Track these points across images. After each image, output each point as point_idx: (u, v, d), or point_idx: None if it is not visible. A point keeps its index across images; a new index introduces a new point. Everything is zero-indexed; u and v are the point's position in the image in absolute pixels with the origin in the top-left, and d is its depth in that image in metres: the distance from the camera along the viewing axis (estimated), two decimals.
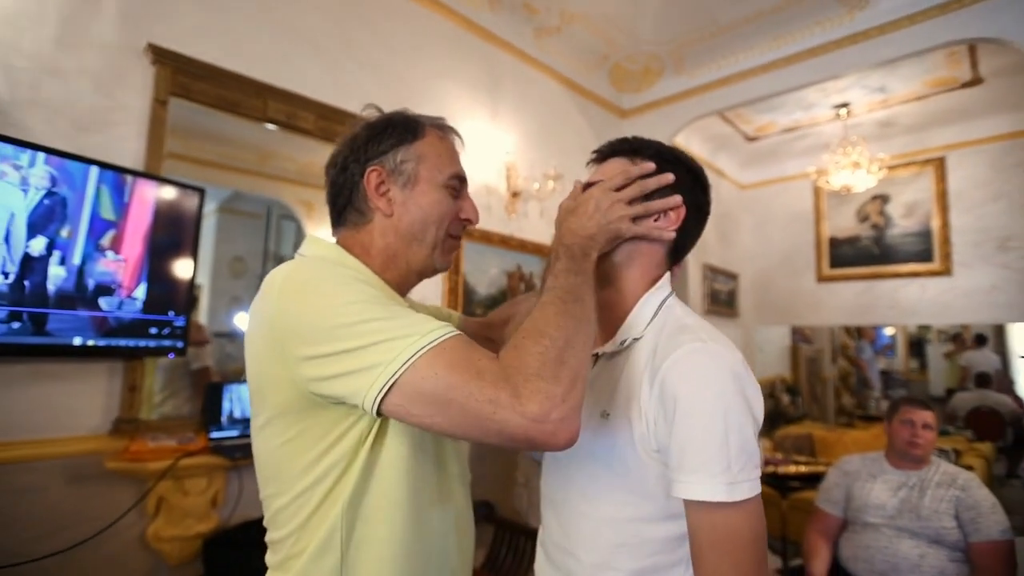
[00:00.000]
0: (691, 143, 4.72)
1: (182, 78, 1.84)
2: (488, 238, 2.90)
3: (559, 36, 3.24)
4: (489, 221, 2.94)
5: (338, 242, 0.81)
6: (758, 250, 5.56)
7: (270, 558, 0.74)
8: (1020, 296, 4.00)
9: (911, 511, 1.86)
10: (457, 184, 0.82)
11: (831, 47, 3.00)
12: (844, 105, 4.10)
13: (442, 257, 0.82)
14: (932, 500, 1.85)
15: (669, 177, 0.79)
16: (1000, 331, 6.52)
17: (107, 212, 1.56)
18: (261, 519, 1.95)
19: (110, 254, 1.56)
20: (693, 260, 4.70)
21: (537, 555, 0.90)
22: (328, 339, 0.61)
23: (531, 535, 2.03)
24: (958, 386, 6.10)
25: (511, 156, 3.00)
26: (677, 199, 0.79)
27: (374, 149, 0.77)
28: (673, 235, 0.80)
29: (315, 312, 0.63)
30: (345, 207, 0.79)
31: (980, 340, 6.11)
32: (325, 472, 0.67)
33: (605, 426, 0.75)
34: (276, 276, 0.69)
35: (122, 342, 1.59)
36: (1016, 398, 5.61)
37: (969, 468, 3.31)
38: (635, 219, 0.78)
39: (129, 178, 1.61)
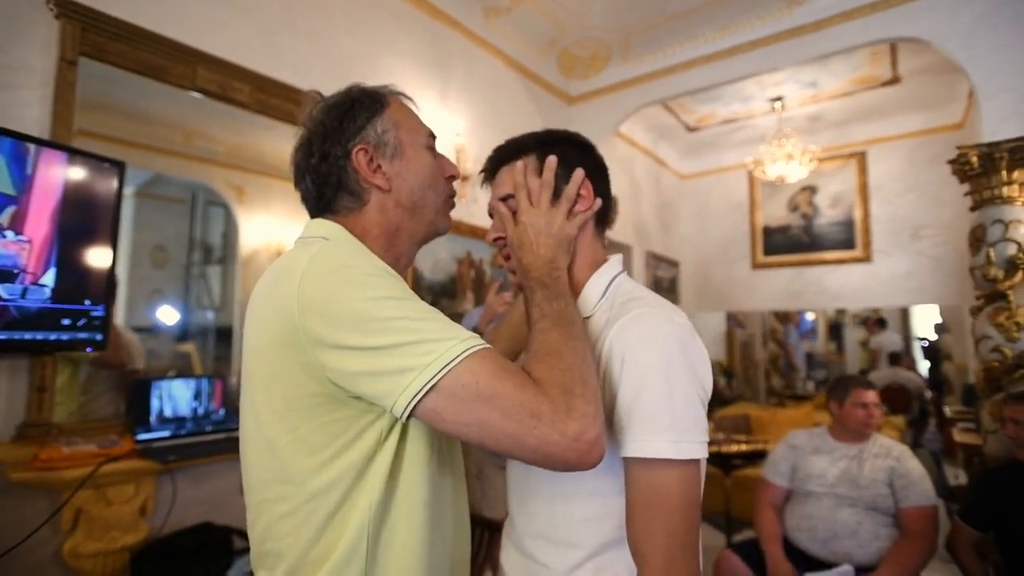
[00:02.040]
0: (634, 132, 4.80)
1: (94, 36, 1.63)
2: None
3: (509, 17, 3.16)
4: None
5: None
6: (697, 238, 5.75)
7: (264, 574, 0.66)
8: (930, 280, 4.36)
9: (850, 481, 1.98)
10: (433, 144, 0.82)
11: (770, 40, 3.11)
12: (779, 98, 4.28)
13: (444, 220, 0.81)
14: (870, 470, 1.97)
15: (552, 160, 0.79)
16: (905, 314, 7.12)
17: (4, 185, 1.35)
18: (198, 526, 1.78)
19: (10, 234, 1.35)
20: (637, 248, 4.80)
21: (502, 549, 0.90)
22: (358, 330, 0.57)
23: (486, 525, 1.99)
24: (869, 366, 6.62)
25: (461, 139, 2.91)
26: (580, 173, 0.80)
27: (351, 127, 0.74)
28: (600, 203, 0.82)
29: (346, 298, 0.59)
30: (336, 194, 0.75)
31: (881, 323, 6.65)
32: (343, 472, 0.62)
33: None
34: (298, 259, 0.64)
35: (27, 335, 1.39)
36: (920, 375, 6.15)
37: None
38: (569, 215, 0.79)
39: (32, 147, 1.40)
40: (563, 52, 3.59)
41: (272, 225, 2.23)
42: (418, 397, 0.56)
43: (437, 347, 0.56)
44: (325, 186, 0.75)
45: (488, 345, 0.60)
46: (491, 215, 0.86)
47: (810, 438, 2.17)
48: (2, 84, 1.49)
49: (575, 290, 0.82)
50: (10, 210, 1.36)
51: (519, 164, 0.80)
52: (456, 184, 3.03)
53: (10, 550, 1.36)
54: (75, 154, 1.50)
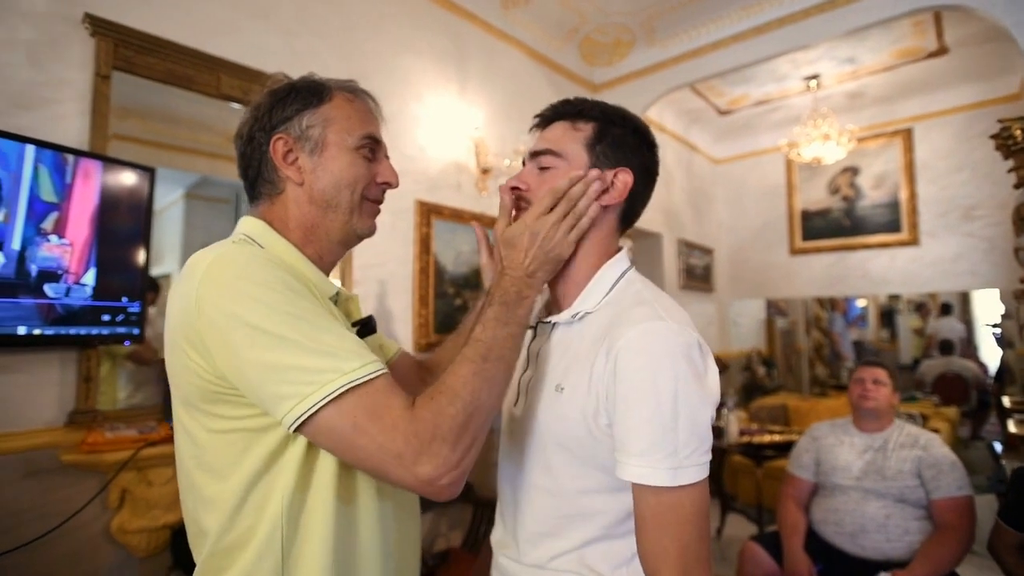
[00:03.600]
0: (664, 118, 4.70)
1: (125, 51, 1.74)
2: (459, 216, 2.85)
3: (527, 8, 3.16)
4: (460, 199, 2.89)
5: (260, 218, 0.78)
6: (732, 224, 5.60)
7: (197, 555, 0.70)
8: (983, 264, 4.10)
9: (876, 472, 1.91)
10: (371, 146, 0.79)
11: (799, 16, 2.98)
12: (814, 77, 4.10)
13: (362, 222, 0.79)
14: (896, 461, 1.90)
15: (592, 176, 0.76)
16: (965, 299, 6.72)
17: (47, 194, 1.47)
18: None
19: (53, 238, 1.48)
20: (667, 235, 4.71)
21: (495, 528, 0.91)
22: (248, 341, 0.59)
23: None
24: (923, 354, 6.28)
25: (480, 132, 2.94)
26: (627, 175, 0.78)
27: (278, 116, 0.75)
28: (618, 202, 0.79)
29: (239, 306, 0.60)
30: (256, 179, 0.77)
31: (946, 309, 6.28)
32: (254, 465, 0.64)
33: (558, 400, 0.75)
34: (201, 260, 0.66)
35: (72, 330, 1.52)
36: (980, 363, 5.79)
37: (935, 431, 3.43)
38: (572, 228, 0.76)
39: (70, 158, 1.53)
40: (585, 39, 3.55)
41: None
42: (296, 424, 0.58)
43: (319, 378, 0.58)
44: (248, 168, 0.77)
45: (378, 372, 0.61)
46: (524, 164, 0.84)
47: (833, 429, 2.11)
48: (45, 99, 1.61)
49: (581, 281, 0.80)
50: (53, 216, 1.49)
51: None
52: (475, 179, 3.04)
53: (62, 524, 1.51)
54: (110, 162, 1.62)
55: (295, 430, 0.59)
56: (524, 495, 0.79)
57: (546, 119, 0.83)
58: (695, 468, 0.65)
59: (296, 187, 0.76)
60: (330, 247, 0.79)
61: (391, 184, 0.81)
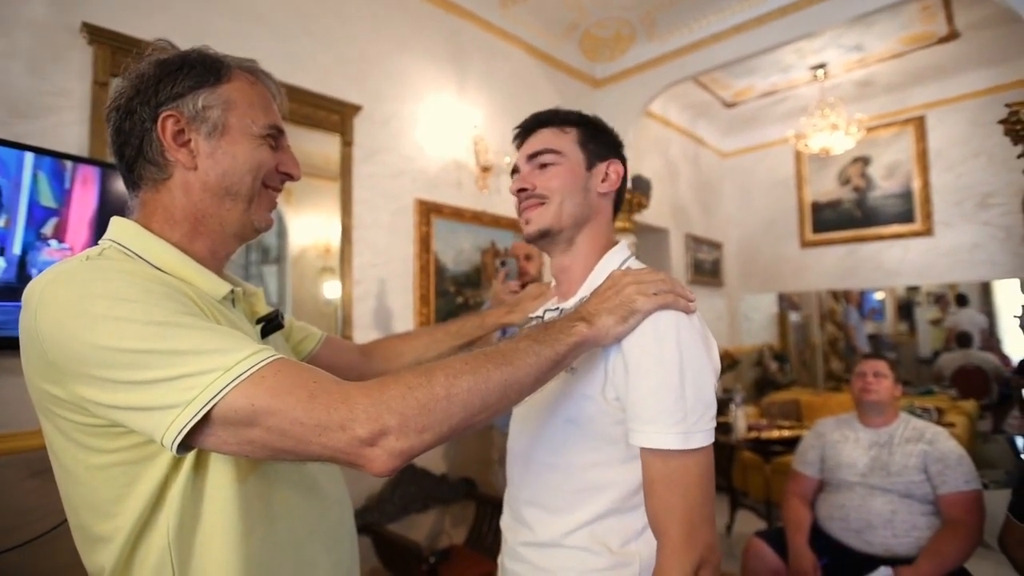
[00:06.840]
0: (669, 112, 4.66)
1: (123, 58, 1.77)
2: (460, 215, 2.86)
3: (526, 5, 3.15)
4: (460, 197, 2.90)
5: (139, 211, 0.70)
6: (741, 218, 5.54)
7: None
8: (1001, 253, 4.00)
9: (881, 468, 1.88)
10: (275, 135, 0.73)
11: (802, 4, 2.94)
12: (821, 66, 4.03)
13: (260, 213, 0.73)
14: (901, 456, 1.87)
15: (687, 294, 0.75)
16: (986, 289, 6.56)
17: (46, 199, 1.51)
18: None
19: (53, 243, 1.52)
20: (674, 231, 4.67)
21: (503, 515, 0.93)
22: (107, 364, 0.53)
23: None
24: (943, 347, 6.14)
25: (479, 130, 2.94)
26: (619, 167, 0.89)
27: (167, 91, 0.66)
28: (615, 189, 0.89)
29: (87, 330, 0.54)
30: (136, 159, 0.67)
31: (961, 300, 6.14)
32: (137, 500, 0.59)
33: (570, 381, 0.79)
34: (35, 287, 0.58)
35: None
36: (1001, 355, 5.64)
37: (951, 425, 3.35)
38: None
39: (69, 164, 1.56)
40: (585, 35, 3.53)
41: (318, 224, 2.33)
42: (183, 434, 0.52)
43: (200, 380, 0.52)
44: (125, 146, 0.67)
45: (272, 358, 0.56)
46: (515, 171, 0.90)
47: (838, 425, 2.09)
48: (45, 107, 1.65)
49: (584, 271, 0.87)
50: (52, 221, 1.52)
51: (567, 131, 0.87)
52: (475, 177, 3.03)
53: (63, 523, 1.53)
54: (108, 168, 1.65)
55: (183, 445, 0.53)
56: (535, 476, 0.83)
57: (529, 129, 0.90)
58: (703, 433, 0.69)
59: (186, 172, 0.67)
60: (224, 240, 0.72)
61: (293, 175, 0.76)
